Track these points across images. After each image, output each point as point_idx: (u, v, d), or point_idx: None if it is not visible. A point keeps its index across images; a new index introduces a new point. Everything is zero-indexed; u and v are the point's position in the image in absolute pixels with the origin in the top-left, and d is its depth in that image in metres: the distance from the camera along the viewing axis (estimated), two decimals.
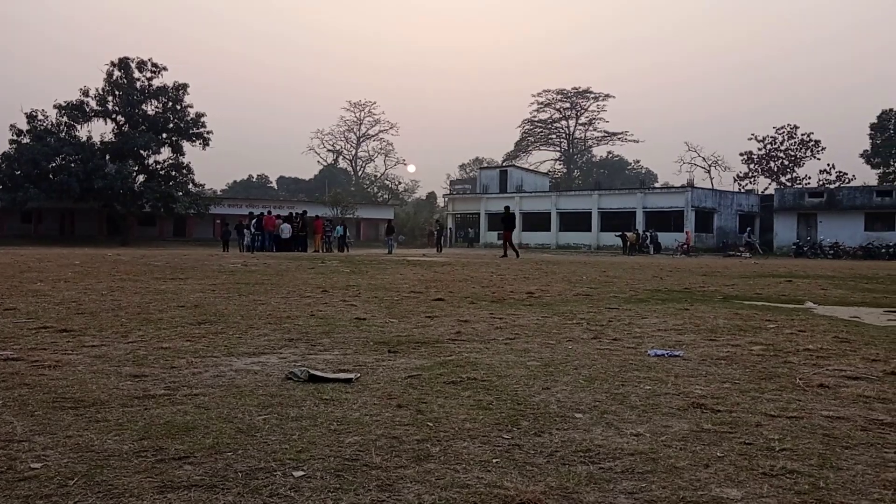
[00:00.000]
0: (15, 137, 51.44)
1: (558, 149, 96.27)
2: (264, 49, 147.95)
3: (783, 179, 68.93)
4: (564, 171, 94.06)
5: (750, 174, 71.43)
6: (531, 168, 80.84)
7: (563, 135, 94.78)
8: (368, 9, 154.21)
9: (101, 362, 4.91)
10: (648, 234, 48.80)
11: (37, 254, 23.61)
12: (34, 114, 51.99)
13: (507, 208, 28.67)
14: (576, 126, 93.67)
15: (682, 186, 58.99)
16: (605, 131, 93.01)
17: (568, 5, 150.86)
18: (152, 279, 12.36)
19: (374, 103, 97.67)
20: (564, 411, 3.72)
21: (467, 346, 5.85)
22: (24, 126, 51.58)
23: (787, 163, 69.73)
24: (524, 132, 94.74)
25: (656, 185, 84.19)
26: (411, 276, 14.49)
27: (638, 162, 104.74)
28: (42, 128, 51.98)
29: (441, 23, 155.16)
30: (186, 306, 8.35)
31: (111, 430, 3.29)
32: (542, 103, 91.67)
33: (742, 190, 67.74)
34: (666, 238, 48.72)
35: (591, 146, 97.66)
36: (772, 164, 70.25)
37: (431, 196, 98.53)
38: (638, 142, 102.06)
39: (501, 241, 28.17)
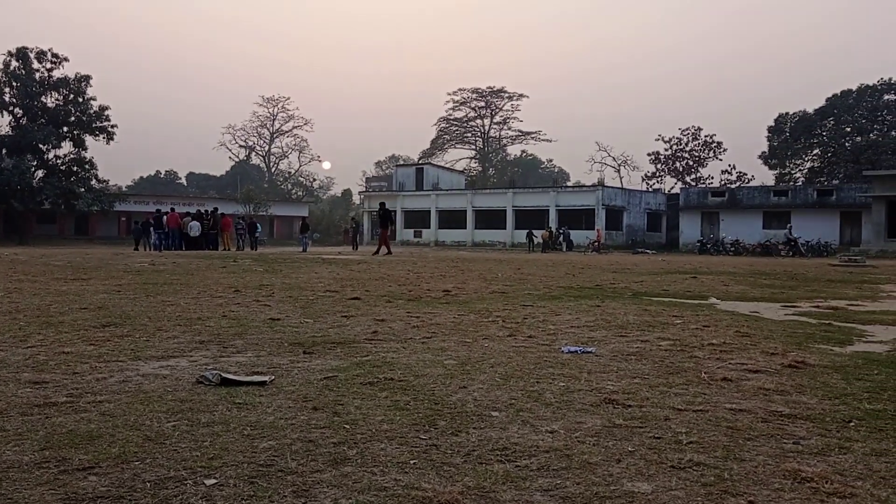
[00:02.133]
0: None
1: (473, 147, 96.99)
2: (172, 40, 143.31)
3: (688, 179, 71.48)
4: (480, 169, 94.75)
5: (657, 174, 73.76)
6: (447, 166, 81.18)
7: (479, 133, 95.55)
8: (283, 4, 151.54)
9: None
10: (561, 231, 49.77)
11: None
12: None
13: (381, 205, 28.38)
14: (491, 125, 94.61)
15: (593, 185, 60.45)
16: (520, 130, 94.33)
17: (485, 6, 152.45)
18: (52, 280, 11.81)
19: (288, 99, 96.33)
20: (481, 410, 3.75)
21: (384, 345, 5.82)
22: None
23: (691, 163, 72.34)
24: (440, 130, 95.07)
25: (568, 183, 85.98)
26: (327, 274, 14.33)
27: (551, 161, 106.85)
28: None
29: (356, 18, 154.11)
30: (90, 308, 8.01)
31: (10, 440, 3.12)
32: (457, 102, 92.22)
33: (650, 189, 69.91)
34: (578, 236, 49.80)
35: (505, 145, 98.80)
36: (677, 164, 72.73)
37: (347, 193, 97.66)
38: (551, 141, 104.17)
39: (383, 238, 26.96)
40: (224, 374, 4.38)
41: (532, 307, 8.84)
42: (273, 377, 4.47)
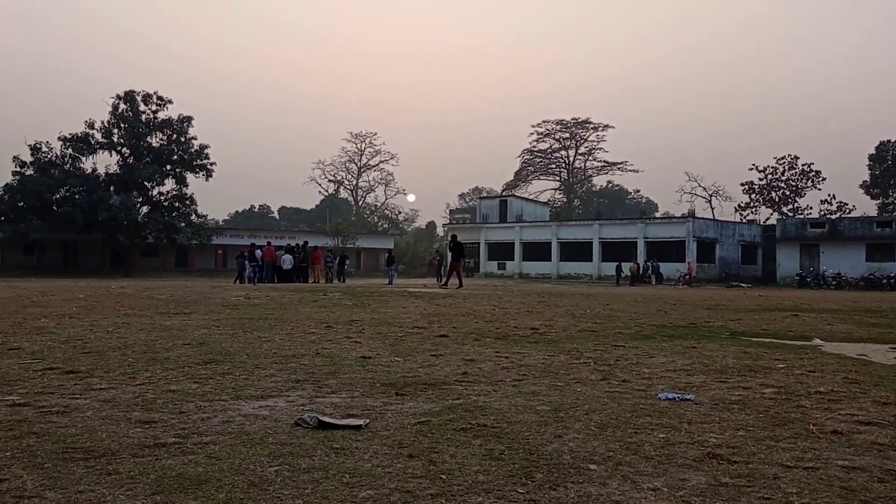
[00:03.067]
0: (18, 169, 51.71)
1: (558, 178, 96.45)
2: (266, 79, 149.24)
3: (785, 209, 68.98)
4: (564, 200, 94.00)
5: (751, 204, 71.43)
6: (531, 197, 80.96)
7: (563, 164, 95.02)
8: (371, 42, 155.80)
9: (110, 407, 4.88)
10: (650, 264, 48.71)
11: (40, 286, 23.58)
12: (38, 146, 52.26)
13: (453, 237, 28.92)
14: (575, 156, 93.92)
15: (683, 216, 59.07)
16: (605, 161, 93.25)
17: (568, 37, 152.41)
18: (157, 314, 12.34)
19: (375, 134, 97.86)
20: (578, 462, 3.68)
21: (475, 388, 5.81)
22: (27, 158, 51.90)
23: (788, 193, 69.82)
24: (524, 162, 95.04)
25: (657, 214, 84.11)
26: (413, 309, 14.44)
27: (638, 191, 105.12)
28: (46, 160, 52.25)
29: (440, 55, 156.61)
30: (192, 344, 8.32)
31: (123, 483, 3.26)
32: (541, 133, 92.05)
33: (743, 220, 67.79)
34: (668, 268, 48.64)
35: (590, 176, 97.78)
36: (773, 194, 70.35)
37: (431, 225, 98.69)
38: (637, 171, 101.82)
39: (461, 270, 27.47)
40: (321, 417, 4.47)
41: (624, 348, 8.66)
42: (368, 420, 4.53)
